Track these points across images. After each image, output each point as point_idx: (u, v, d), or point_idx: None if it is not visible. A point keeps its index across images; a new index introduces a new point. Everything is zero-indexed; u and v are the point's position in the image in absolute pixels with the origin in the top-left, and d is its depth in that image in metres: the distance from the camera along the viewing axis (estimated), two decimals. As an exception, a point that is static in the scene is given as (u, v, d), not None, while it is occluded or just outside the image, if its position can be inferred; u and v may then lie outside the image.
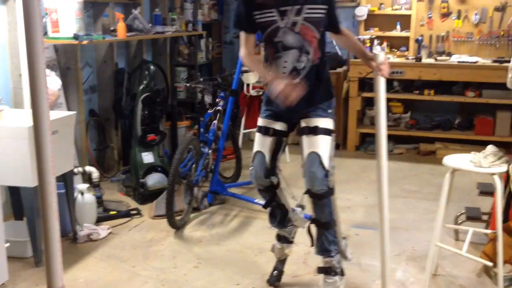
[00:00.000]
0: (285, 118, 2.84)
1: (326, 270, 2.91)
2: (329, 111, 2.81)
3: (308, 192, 2.77)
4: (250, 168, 2.90)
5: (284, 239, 3.08)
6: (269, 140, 2.84)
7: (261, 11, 2.69)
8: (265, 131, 2.85)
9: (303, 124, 2.79)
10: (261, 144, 2.86)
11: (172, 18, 5.79)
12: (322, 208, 2.80)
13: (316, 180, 2.69)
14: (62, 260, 2.02)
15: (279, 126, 2.85)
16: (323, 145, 2.72)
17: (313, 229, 2.93)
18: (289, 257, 3.35)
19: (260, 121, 2.89)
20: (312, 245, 2.95)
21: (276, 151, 2.86)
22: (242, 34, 2.83)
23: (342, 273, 2.95)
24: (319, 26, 2.73)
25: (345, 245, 3.03)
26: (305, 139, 2.76)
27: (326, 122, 2.76)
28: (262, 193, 2.97)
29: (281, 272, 3.12)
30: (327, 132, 2.74)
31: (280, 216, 3.01)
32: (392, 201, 4.41)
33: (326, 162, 2.70)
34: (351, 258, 3.08)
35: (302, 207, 3.18)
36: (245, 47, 2.84)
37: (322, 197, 2.76)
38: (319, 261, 2.96)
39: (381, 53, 2.61)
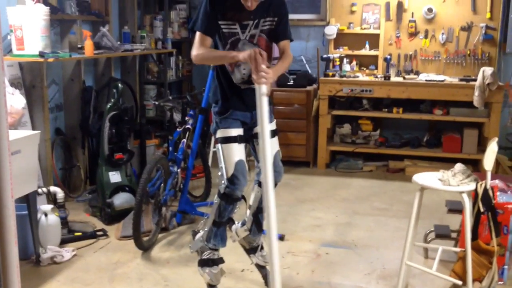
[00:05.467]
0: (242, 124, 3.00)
1: (262, 247, 3.21)
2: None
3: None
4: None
5: (220, 260, 3.05)
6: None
7: (226, 21, 2.85)
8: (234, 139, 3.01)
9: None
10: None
11: (141, 35, 5.73)
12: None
13: (282, 173, 3.10)
14: (24, 285, 1.95)
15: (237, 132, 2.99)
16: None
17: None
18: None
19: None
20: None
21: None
22: (200, 35, 2.84)
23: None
24: (271, 37, 2.96)
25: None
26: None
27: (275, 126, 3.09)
28: (234, 204, 2.98)
29: None
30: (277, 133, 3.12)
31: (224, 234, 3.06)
32: (363, 219, 4.44)
33: None
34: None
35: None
36: (201, 47, 2.84)
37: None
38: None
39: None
